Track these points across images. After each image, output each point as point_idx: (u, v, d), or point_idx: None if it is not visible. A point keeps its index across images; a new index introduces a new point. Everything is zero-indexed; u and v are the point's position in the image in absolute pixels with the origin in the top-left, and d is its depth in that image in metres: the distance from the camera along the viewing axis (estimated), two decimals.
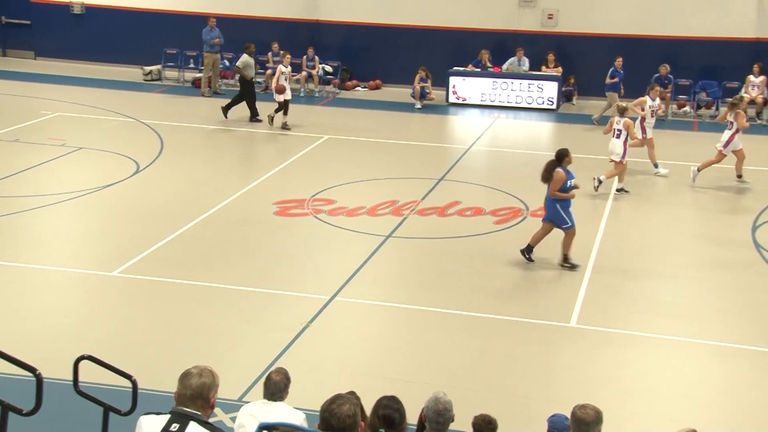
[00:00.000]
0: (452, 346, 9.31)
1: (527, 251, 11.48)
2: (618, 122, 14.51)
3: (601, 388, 8.33)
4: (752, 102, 19.50)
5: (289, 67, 18.43)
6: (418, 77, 21.04)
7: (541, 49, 21.39)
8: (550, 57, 21.24)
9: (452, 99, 21.38)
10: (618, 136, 14.44)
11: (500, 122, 20.14)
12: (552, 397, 8.00)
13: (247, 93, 19.03)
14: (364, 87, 22.96)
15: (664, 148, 17.49)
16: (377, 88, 22.95)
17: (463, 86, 21.36)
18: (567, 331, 9.64)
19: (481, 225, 12.93)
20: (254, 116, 19.05)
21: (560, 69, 21.21)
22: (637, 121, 15.31)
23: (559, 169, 11.10)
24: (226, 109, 19.05)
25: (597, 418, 5.00)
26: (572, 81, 21.55)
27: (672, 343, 9.48)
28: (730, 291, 10.85)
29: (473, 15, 22.11)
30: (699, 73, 20.54)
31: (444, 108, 21.18)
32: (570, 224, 11.22)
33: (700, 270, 11.45)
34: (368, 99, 21.05)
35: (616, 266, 11.52)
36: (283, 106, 18.27)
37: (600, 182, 14.41)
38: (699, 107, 20.52)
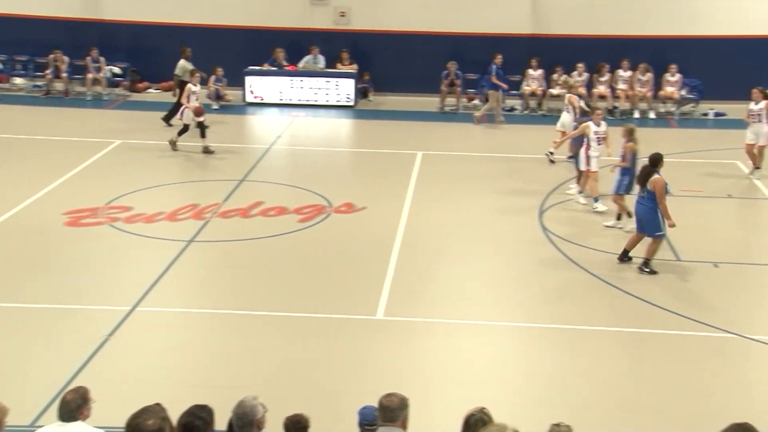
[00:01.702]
0: (261, 348, 9.21)
1: (624, 256, 11.34)
2: (565, 98, 16.17)
3: (408, 377, 8.54)
4: (533, 95, 20.84)
5: (198, 85, 17.38)
6: (212, 78, 20.65)
7: (335, 47, 21.61)
8: (344, 54, 21.53)
9: (249, 99, 21.15)
10: (568, 111, 15.88)
11: (299, 120, 20.17)
12: (362, 390, 8.09)
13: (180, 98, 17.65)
14: (157, 89, 22.19)
15: (453, 141, 18.26)
16: (170, 89, 22.25)
17: (260, 85, 21.20)
18: (374, 324, 9.81)
19: (285, 224, 12.89)
20: (168, 120, 18.27)
21: (355, 66, 21.55)
22: (582, 151, 13.88)
23: (659, 176, 10.99)
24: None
25: (401, 404, 5.17)
26: (367, 78, 21.98)
27: (472, 327, 9.88)
28: (524, 273, 11.45)
29: (266, 13, 21.95)
30: (484, 68, 21.54)
31: (242, 108, 20.92)
32: (663, 233, 11.13)
33: (495, 254, 12.02)
34: (161, 101, 20.36)
35: (419, 254, 11.84)
36: (199, 127, 16.72)
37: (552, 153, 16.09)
38: (486, 100, 21.55)
